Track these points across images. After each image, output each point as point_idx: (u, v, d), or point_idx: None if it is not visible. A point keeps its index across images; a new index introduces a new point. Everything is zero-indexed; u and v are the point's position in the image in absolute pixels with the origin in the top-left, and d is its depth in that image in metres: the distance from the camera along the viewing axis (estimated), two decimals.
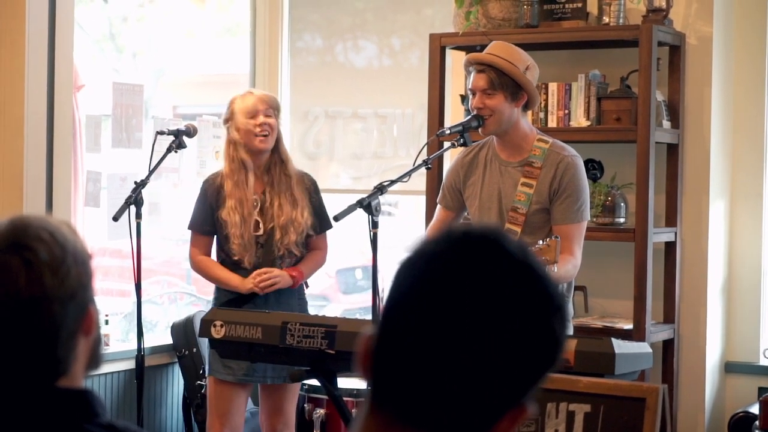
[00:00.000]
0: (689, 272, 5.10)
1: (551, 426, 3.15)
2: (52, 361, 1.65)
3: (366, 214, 3.75)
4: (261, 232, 4.46)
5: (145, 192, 4.36)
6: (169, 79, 6.48)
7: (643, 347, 3.93)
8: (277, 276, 4.41)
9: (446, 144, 4.39)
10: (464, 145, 4.05)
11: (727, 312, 5.27)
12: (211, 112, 5.91)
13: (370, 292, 3.90)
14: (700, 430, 5.10)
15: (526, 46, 4.31)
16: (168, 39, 6.21)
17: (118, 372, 5.26)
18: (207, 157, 5.72)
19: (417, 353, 1.23)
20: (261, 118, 4.44)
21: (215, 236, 4.55)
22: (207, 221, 4.52)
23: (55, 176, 4.88)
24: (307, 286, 4.63)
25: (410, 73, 5.85)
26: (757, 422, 4.71)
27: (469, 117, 4.05)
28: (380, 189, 3.80)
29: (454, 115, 5.36)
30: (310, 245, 4.56)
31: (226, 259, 4.50)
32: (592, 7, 5.11)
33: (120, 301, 5.82)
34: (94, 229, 5.32)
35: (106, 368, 5.10)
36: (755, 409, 4.79)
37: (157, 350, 5.50)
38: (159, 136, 4.56)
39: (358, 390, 4.60)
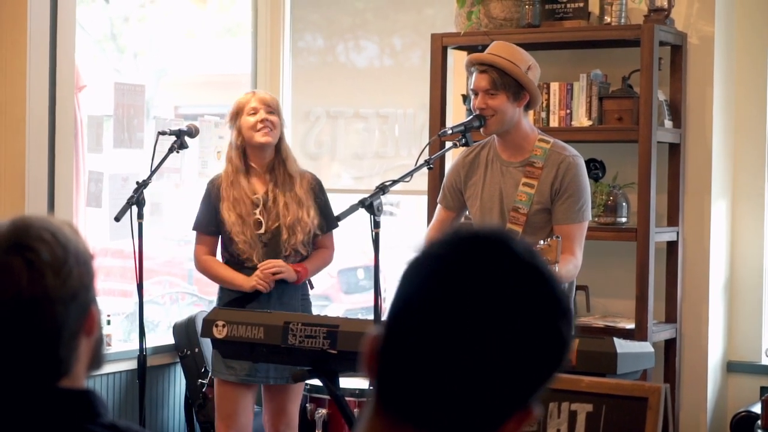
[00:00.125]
0: (691, 272, 5.10)
1: (553, 426, 3.15)
2: (54, 361, 1.65)
3: (368, 214, 3.74)
4: (263, 230, 4.46)
5: (146, 192, 4.37)
6: (170, 79, 6.48)
7: (645, 347, 3.93)
8: (283, 266, 4.41)
9: (448, 144, 4.39)
10: (466, 144, 4.05)
11: (729, 311, 5.27)
12: (212, 112, 5.92)
13: (371, 292, 3.90)
14: (702, 430, 5.10)
15: (528, 46, 4.31)
16: (169, 39, 6.21)
17: (120, 372, 5.26)
18: (209, 157, 5.72)
19: (423, 354, 1.23)
20: (262, 114, 4.46)
21: (220, 237, 4.55)
22: (211, 222, 4.52)
23: (56, 176, 4.88)
24: (311, 287, 4.63)
25: (412, 73, 5.85)
26: (759, 421, 4.71)
27: (471, 117, 4.05)
28: (382, 189, 3.80)
29: (456, 114, 5.36)
30: (317, 244, 4.57)
31: (230, 260, 4.51)
32: (594, 6, 5.11)
33: (122, 301, 5.82)
34: (95, 229, 5.32)
35: (108, 368, 5.10)
36: (757, 409, 4.79)
37: (159, 350, 5.50)
38: (160, 137, 4.56)
39: (360, 390, 4.61)
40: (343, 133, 6.07)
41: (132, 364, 4.99)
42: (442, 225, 4.22)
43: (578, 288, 4.74)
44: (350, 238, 5.49)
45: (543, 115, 5.04)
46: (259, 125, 4.45)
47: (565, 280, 3.95)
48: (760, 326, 5.26)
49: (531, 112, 4.48)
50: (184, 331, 5.51)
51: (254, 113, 4.47)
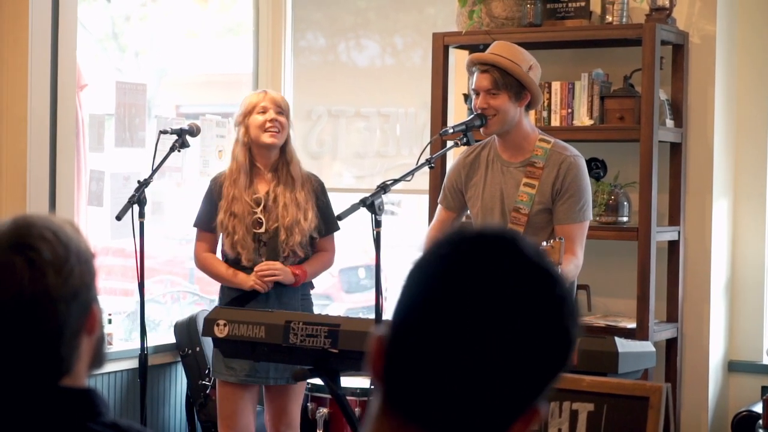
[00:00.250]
0: (692, 271, 5.10)
1: (554, 425, 3.15)
2: (55, 360, 1.65)
3: (369, 213, 3.74)
4: (263, 230, 4.46)
5: (148, 191, 4.37)
6: (171, 78, 6.48)
7: (647, 346, 3.94)
8: (279, 270, 4.41)
9: (449, 143, 4.39)
10: (467, 144, 4.05)
11: (731, 311, 5.27)
12: (213, 111, 5.92)
13: (373, 291, 3.90)
14: (703, 429, 5.10)
15: (529, 45, 4.32)
16: (171, 38, 6.21)
17: (122, 371, 5.26)
18: (210, 156, 5.72)
19: (429, 355, 1.23)
20: (271, 114, 4.46)
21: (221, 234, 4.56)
22: (212, 219, 4.52)
23: (58, 175, 4.89)
24: (312, 287, 4.63)
25: (413, 72, 5.85)
26: (760, 421, 4.71)
27: (473, 116, 4.05)
28: (383, 188, 3.80)
29: (457, 114, 5.36)
30: (317, 246, 4.56)
31: (229, 258, 4.51)
32: (595, 6, 5.11)
33: (123, 300, 5.82)
34: (97, 228, 5.32)
35: (109, 367, 5.11)
36: (758, 408, 4.78)
37: (160, 349, 5.50)
38: (162, 136, 4.56)
39: (361, 389, 4.61)
40: (344, 132, 6.08)
41: (133, 363, 4.99)
42: (442, 225, 4.22)
43: (579, 287, 4.75)
44: (351, 238, 5.49)
45: (544, 114, 5.04)
46: (268, 124, 4.45)
47: (567, 280, 3.94)
48: (762, 326, 5.26)
49: (532, 112, 4.48)
50: (186, 330, 5.51)
51: (264, 112, 4.47)
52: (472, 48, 5.00)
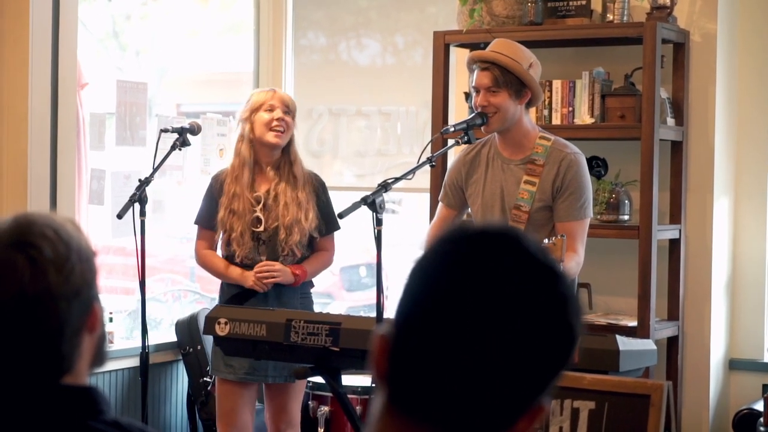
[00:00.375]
0: (693, 269, 5.10)
1: (556, 423, 3.15)
2: (56, 358, 1.65)
3: (370, 212, 3.74)
4: (262, 228, 4.46)
5: (149, 190, 4.36)
6: (172, 77, 6.48)
7: (648, 344, 3.94)
8: (279, 270, 4.40)
9: (450, 141, 4.39)
10: (468, 142, 4.05)
11: (732, 309, 5.27)
12: (214, 110, 5.92)
13: (374, 289, 3.90)
14: (704, 427, 5.10)
15: (530, 44, 4.31)
16: (171, 37, 6.21)
17: (123, 369, 5.27)
18: (211, 154, 5.72)
19: (435, 353, 1.23)
20: (279, 113, 4.46)
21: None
22: (213, 216, 4.52)
23: (59, 174, 4.89)
24: (312, 286, 4.63)
25: (414, 70, 5.85)
26: (761, 419, 4.71)
27: (473, 114, 4.05)
28: (384, 186, 3.80)
29: (458, 112, 5.36)
30: (317, 246, 4.56)
31: (229, 255, 4.51)
32: (596, 4, 5.11)
33: (124, 298, 5.82)
34: (98, 226, 5.32)
35: (110, 366, 5.11)
36: (760, 406, 4.79)
37: (162, 348, 5.50)
38: (163, 134, 4.56)
39: (362, 387, 4.61)
40: (345, 131, 6.08)
41: (134, 362, 5.00)
42: (443, 223, 4.22)
43: (580, 285, 4.74)
44: (352, 236, 5.49)
45: (545, 112, 5.04)
46: (274, 123, 4.45)
47: (569, 277, 3.95)
48: (763, 324, 5.26)
49: (533, 110, 4.48)
50: (187, 328, 5.51)
51: (271, 110, 4.47)
52: (473, 47, 5.00)
